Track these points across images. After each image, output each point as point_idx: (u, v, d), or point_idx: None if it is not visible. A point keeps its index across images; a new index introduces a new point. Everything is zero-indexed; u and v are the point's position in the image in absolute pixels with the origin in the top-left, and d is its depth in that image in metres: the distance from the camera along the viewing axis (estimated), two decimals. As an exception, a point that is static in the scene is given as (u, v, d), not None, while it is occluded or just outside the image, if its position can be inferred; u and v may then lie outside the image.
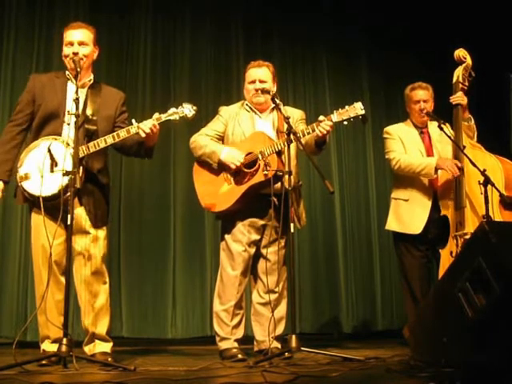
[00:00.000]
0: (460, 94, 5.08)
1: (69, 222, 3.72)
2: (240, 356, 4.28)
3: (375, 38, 7.83)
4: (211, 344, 4.94)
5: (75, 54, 4.15)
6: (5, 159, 4.15)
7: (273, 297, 4.43)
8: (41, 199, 3.90)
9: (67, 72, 4.27)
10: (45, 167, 3.99)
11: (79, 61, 4.08)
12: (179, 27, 7.24)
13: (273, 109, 4.72)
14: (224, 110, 4.79)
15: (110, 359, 3.97)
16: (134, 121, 4.11)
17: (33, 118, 4.21)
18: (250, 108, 4.72)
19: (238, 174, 4.50)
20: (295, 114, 4.75)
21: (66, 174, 3.79)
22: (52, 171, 3.99)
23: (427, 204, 5.05)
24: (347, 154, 7.67)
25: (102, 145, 4.05)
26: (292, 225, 4.12)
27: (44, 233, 3.91)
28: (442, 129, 4.83)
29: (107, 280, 4.24)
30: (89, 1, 6.85)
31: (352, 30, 7.90)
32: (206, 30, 7.32)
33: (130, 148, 4.34)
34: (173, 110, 4.20)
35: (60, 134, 4.09)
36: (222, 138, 4.71)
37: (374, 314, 7.38)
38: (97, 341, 4.16)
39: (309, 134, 4.38)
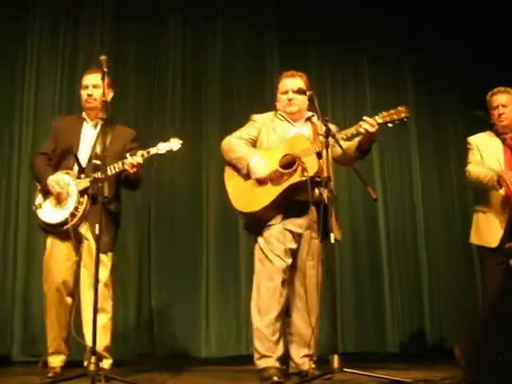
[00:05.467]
0: None
1: (97, 231, 4.07)
2: (276, 379, 4.20)
3: (420, 45, 7.78)
4: (247, 363, 4.89)
5: (90, 95, 4.89)
6: (47, 168, 4.82)
7: (309, 314, 4.42)
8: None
9: (83, 113, 4.96)
10: (52, 199, 4.72)
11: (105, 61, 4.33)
12: (210, 30, 7.29)
13: (307, 119, 4.80)
14: (257, 117, 4.84)
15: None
16: (128, 155, 4.67)
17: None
18: (284, 117, 4.77)
19: (275, 176, 4.48)
20: (330, 127, 4.73)
21: (94, 181, 4.50)
22: (79, 178, 4.67)
23: (503, 216, 4.96)
24: (390, 162, 7.60)
25: (103, 176, 4.33)
26: (332, 235, 4.03)
27: (53, 256, 4.72)
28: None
29: (110, 302, 4.81)
30: (115, 5, 6.97)
31: (396, 35, 7.88)
32: (238, 33, 7.37)
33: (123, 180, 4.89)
34: (160, 144, 4.78)
35: (72, 169, 4.75)
36: (254, 143, 4.73)
37: (422, 332, 7.27)
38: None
39: (352, 135, 4.40)
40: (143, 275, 6.62)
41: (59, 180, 4.69)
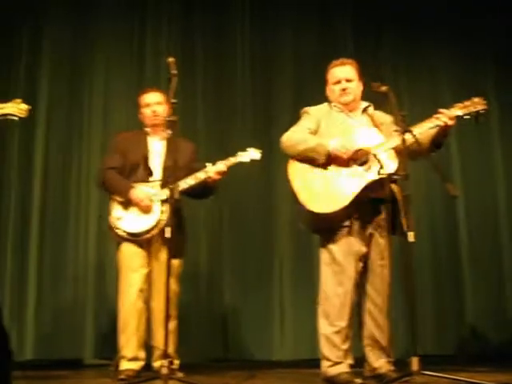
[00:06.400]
0: None
1: (167, 235, 4.17)
2: (357, 381, 4.12)
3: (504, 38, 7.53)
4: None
5: (154, 112, 5.15)
6: (127, 182, 5.01)
7: (382, 316, 4.36)
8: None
9: (146, 129, 5.21)
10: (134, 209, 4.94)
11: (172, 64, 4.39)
12: (280, 28, 7.24)
13: (364, 109, 4.62)
14: (312, 110, 4.64)
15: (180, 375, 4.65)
16: (208, 164, 4.96)
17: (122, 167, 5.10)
18: (340, 109, 4.59)
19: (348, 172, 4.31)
20: (385, 119, 4.62)
21: (164, 185, 4.77)
22: (148, 181, 4.95)
23: None
24: (471, 157, 7.40)
25: (184, 186, 4.87)
26: (411, 234, 3.94)
27: (132, 264, 4.91)
28: None
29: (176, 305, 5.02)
30: (182, 4, 7.06)
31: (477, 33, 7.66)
32: (309, 22, 7.26)
33: (196, 190, 5.05)
34: (240, 153, 5.12)
35: (144, 181, 5.00)
36: None
37: (505, 334, 7.08)
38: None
39: (429, 129, 4.26)
40: (215, 280, 6.63)
41: (145, 192, 4.90)
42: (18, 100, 4.23)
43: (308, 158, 4.39)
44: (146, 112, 5.19)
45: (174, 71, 4.33)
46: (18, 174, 6.52)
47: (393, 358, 4.40)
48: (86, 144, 6.65)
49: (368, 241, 4.38)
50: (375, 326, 4.39)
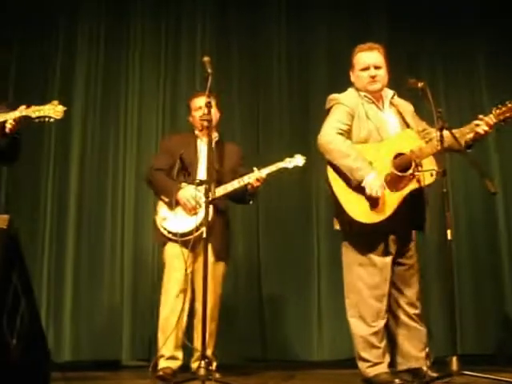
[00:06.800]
0: None
1: (204, 235, 4.17)
2: (398, 381, 4.05)
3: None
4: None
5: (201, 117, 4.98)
6: (174, 183, 5.03)
7: (415, 311, 4.34)
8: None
9: (196, 132, 5.26)
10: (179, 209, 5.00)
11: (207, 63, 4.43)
12: (315, 27, 7.20)
13: (391, 103, 4.49)
14: (345, 100, 4.39)
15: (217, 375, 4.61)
16: (255, 168, 5.01)
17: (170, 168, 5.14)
18: (371, 99, 4.42)
19: (390, 179, 4.17)
20: (408, 107, 4.54)
21: (200, 183, 4.84)
22: (185, 181, 5.02)
23: None
24: (510, 152, 7.26)
25: (230, 188, 4.99)
26: (449, 231, 3.88)
27: (176, 264, 4.92)
28: None
29: (218, 308, 5.12)
30: (217, 3, 7.06)
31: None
32: (343, 21, 7.25)
33: (237, 195, 5.16)
34: (287, 159, 5.15)
35: (191, 183, 5.01)
36: (348, 135, 4.34)
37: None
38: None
39: (466, 134, 4.20)
40: (253, 280, 6.64)
41: (192, 193, 4.95)
42: (55, 102, 4.31)
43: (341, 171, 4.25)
44: (196, 116, 5.21)
45: (210, 70, 4.34)
46: (54, 172, 6.59)
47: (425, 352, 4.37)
48: (121, 143, 6.69)
49: (398, 241, 4.33)
50: (409, 320, 4.37)
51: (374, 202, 4.13)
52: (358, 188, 4.15)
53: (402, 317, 4.36)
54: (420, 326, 4.34)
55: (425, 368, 4.23)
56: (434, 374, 4.09)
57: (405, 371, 4.32)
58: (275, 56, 7.13)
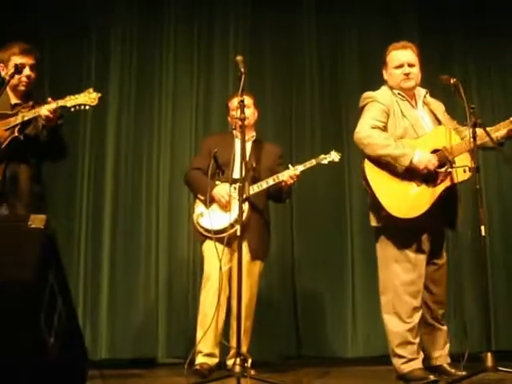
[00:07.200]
0: None
1: (238, 233, 4.16)
2: (432, 377, 4.09)
3: None
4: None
5: (234, 116, 5.22)
6: (210, 181, 5.08)
7: (441, 310, 4.39)
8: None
9: (234, 131, 5.34)
10: (214, 206, 5.11)
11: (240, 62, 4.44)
12: (346, 27, 7.24)
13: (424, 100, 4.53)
14: (380, 97, 4.44)
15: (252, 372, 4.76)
16: (290, 166, 5.14)
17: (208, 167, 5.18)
18: (404, 97, 4.45)
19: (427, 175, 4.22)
20: (440, 106, 4.56)
21: (234, 181, 4.86)
22: (219, 180, 5.13)
23: None
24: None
25: (264, 185, 5.11)
26: (483, 227, 3.90)
27: (214, 261, 4.90)
28: None
29: (254, 306, 5.21)
30: (250, 4, 7.11)
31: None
32: (374, 22, 7.23)
33: (272, 192, 5.30)
34: (322, 156, 5.26)
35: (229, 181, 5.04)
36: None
37: None
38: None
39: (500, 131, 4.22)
40: (287, 277, 6.66)
41: (226, 189, 5.01)
42: (90, 89, 4.39)
43: (385, 162, 4.26)
44: (233, 115, 5.26)
45: (243, 69, 4.35)
46: (89, 172, 6.67)
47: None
48: (155, 143, 6.74)
49: (430, 237, 4.35)
50: (431, 316, 4.43)
51: (431, 178, 4.21)
52: (406, 175, 4.20)
53: (428, 318, 4.42)
54: (443, 325, 4.42)
55: (446, 366, 4.34)
56: (462, 373, 4.12)
57: (429, 368, 4.35)
58: (307, 56, 7.14)
